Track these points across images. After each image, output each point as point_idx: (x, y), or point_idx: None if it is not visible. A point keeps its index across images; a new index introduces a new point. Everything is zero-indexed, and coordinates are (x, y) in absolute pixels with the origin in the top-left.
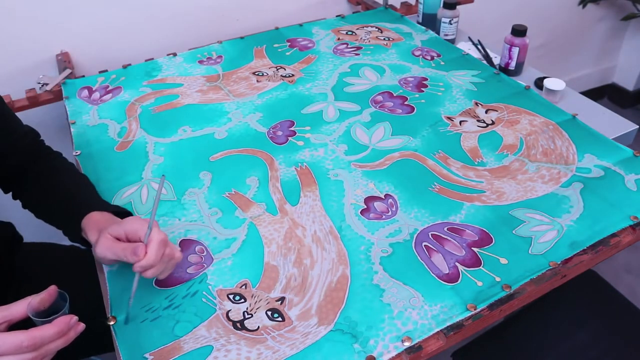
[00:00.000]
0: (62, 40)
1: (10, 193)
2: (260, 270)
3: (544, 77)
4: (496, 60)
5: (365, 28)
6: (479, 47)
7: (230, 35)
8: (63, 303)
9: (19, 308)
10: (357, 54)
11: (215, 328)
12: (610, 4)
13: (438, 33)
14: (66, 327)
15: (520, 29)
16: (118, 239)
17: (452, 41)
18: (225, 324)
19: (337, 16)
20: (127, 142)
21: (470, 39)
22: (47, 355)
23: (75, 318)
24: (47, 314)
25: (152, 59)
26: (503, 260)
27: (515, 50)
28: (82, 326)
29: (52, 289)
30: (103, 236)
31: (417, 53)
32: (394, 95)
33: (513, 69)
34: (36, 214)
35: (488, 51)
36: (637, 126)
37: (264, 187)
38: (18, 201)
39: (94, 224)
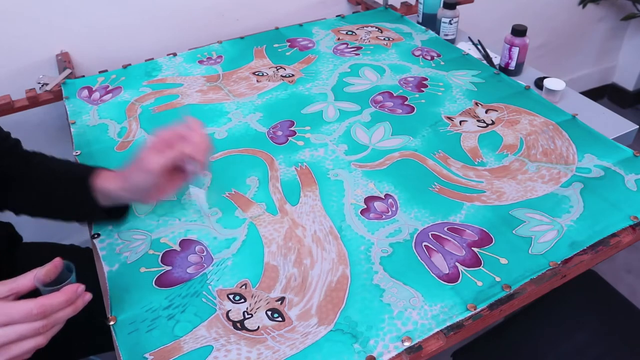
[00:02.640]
0: (62, 40)
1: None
2: (260, 270)
3: (544, 77)
4: (496, 60)
5: (365, 28)
6: (479, 47)
7: (230, 35)
8: (69, 274)
9: (26, 280)
10: (357, 54)
11: (215, 328)
12: (610, 4)
13: (438, 33)
14: (74, 295)
15: (520, 29)
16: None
17: (452, 41)
18: (225, 324)
19: (337, 16)
20: (127, 142)
21: (470, 39)
22: (57, 324)
23: (82, 287)
24: (53, 286)
25: (152, 59)
26: (503, 260)
27: (515, 50)
28: (89, 295)
29: (58, 261)
30: (142, 154)
31: (417, 53)
32: (394, 95)
33: (513, 69)
34: (35, 213)
35: (488, 51)
36: (637, 126)
37: (264, 187)
38: None
39: (113, 175)
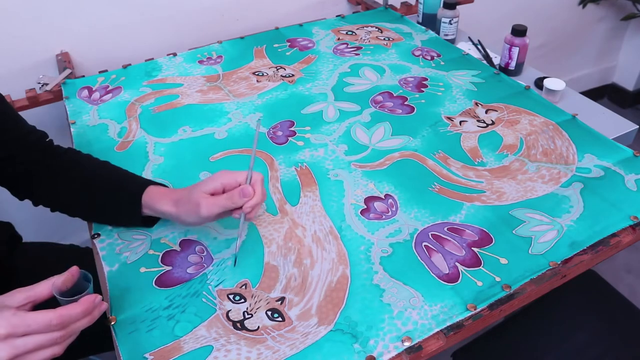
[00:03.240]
0: (62, 40)
1: (18, 195)
2: (260, 270)
3: (544, 77)
4: (496, 60)
5: (365, 28)
6: (479, 47)
7: (230, 35)
8: (86, 283)
9: (43, 288)
10: (357, 54)
11: (215, 328)
12: (610, 4)
13: (438, 33)
14: (91, 305)
15: (520, 29)
16: (212, 195)
17: (452, 41)
18: (225, 324)
19: (337, 16)
20: (127, 142)
21: (470, 39)
22: (73, 334)
23: (99, 297)
24: (70, 294)
25: (152, 59)
26: (503, 260)
27: (515, 50)
28: (105, 305)
29: (75, 269)
30: (198, 197)
31: (417, 53)
32: (394, 95)
33: (513, 69)
34: (63, 208)
35: (488, 51)
36: (637, 126)
37: (264, 187)
38: (17, 201)
39: (161, 195)
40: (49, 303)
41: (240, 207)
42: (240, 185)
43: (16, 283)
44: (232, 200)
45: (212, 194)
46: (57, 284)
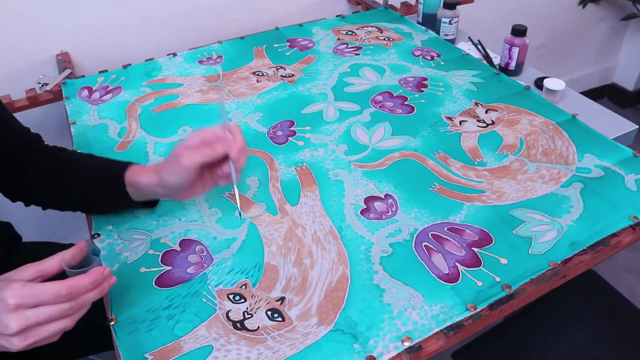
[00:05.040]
0: (62, 40)
1: (10, 196)
2: (260, 270)
3: (544, 77)
4: (496, 60)
5: (365, 28)
6: (479, 47)
7: (230, 35)
8: (95, 257)
9: (52, 263)
10: (357, 54)
11: (215, 328)
12: (610, 4)
13: (438, 33)
14: (100, 277)
15: (520, 29)
16: None
17: (452, 41)
18: (225, 324)
19: (337, 16)
20: (127, 142)
21: (470, 39)
22: (84, 306)
23: (108, 269)
24: (78, 268)
25: (152, 59)
26: (503, 260)
27: (515, 50)
28: (114, 279)
29: (83, 243)
30: (179, 150)
31: (417, 53)
32: (394, 95)
33: (513, 69)
34: (58, 205)
35: (488, 51)
36: (637, 126)
37: (264, 187)
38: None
39: (142, 169)
40: (59, 278)
41: (224, 162)
42: (218, 138)
43: None
44: (213, 148)
45: (194, 148)
46: (66, 258)
